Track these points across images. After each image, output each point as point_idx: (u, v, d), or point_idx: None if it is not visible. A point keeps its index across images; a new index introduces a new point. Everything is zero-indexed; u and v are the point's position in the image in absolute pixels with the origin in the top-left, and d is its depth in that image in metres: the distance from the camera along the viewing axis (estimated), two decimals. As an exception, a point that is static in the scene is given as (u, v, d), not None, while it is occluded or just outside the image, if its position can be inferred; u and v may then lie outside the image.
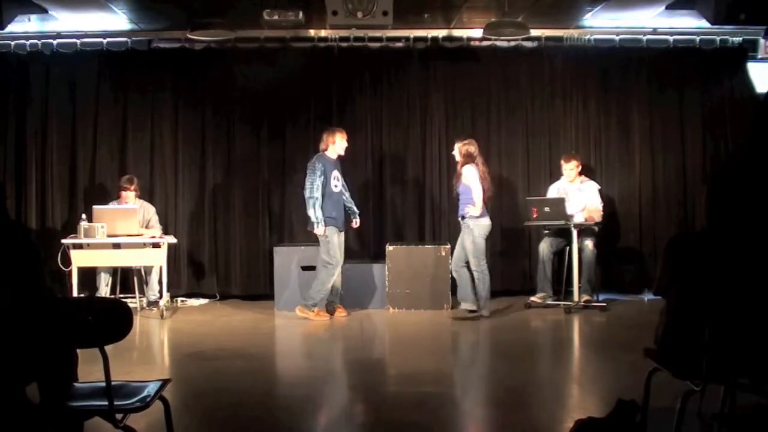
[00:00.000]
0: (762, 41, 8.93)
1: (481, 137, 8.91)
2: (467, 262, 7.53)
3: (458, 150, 7.62)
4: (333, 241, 7.51)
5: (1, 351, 2.68)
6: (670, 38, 8.82)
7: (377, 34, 8.65)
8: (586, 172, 8.46)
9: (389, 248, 8.13)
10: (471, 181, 7.44)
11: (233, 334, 7.04)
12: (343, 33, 8.58)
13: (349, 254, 8.56)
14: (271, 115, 8.88)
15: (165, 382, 3.15)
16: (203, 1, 7.44)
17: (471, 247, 7.47)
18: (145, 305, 8.14)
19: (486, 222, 7.49)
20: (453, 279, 7.92)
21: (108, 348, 2.79)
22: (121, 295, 8.10)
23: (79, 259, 7.57)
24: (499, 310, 7.97)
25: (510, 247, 8.91)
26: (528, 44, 8.87)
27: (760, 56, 9.01)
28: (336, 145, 7.63)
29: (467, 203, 7.47)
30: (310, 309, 7.53)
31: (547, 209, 7.75)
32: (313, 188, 7.42)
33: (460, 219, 7.60)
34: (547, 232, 8.10)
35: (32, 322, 2.73)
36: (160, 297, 7.89)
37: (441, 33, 8.80)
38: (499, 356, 6.04)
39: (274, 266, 8.17)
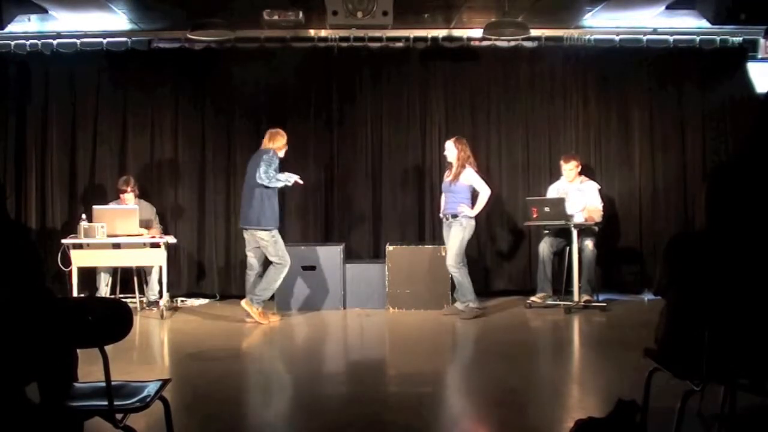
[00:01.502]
0: (762, 41, 8.92)
1: (481, 137, 8.95)
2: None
3: (455, 148, 7.68)
4: (280, 241, 7.40)
5: (1, 351, 2.68)
6: (670, 38, 8.81)
7: (377, 34, 8.65)
8: (586, 172, 8.46)
9: (389, 248, 8.13)
10: (477, 182, 7.61)
11: (233, 334, 7.04)
12: (343, 33, 8.57)
13: (349, 254, 8.58)
14: (271, 115, 8.86)
15: (165, 382, 3.15)
16: (203, 1, 7.44)
17: (457, 245, 7.55)
18: (145, 305, 8.15)
19: (474, 222, 7.66)
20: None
21: (108, 348, 2.79)
22: (121, 295, 8.10)
23: (79, 259, 7.57)
24: (499, 310, 7.99)
25: (510, 247, 8.92)
26: (528, 44, 8.86)
27: (760, 56, 9.00)
28: (284, 148, 7.50)
29: (462, 202, 7.57)
30: (254, 305, 7.34)
31: (547, 209, 7.76)
32: (271, 177, 7.20)
33: (450, 217, 7.67)
34: (547, 232, 8.11)
35: (32, 322, 2.73)
36: (160, 297, 7.89)
37: (441, 33, 8.80)
38: (499, 356, 6.03)
39: (274, 266, 8.16)
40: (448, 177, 7.83)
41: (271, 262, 7.42)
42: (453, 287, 7.89)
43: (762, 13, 7.14)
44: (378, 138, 8.98)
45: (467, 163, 7.64)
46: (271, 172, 7.24)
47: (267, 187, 7.27)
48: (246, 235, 7.50)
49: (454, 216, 7.60)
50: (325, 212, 8.92)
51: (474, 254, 8.83)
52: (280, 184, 7.34)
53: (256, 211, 7.31)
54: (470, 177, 7.60)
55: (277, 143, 7.44)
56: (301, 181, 7.54)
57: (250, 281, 7.55)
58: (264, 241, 7.34)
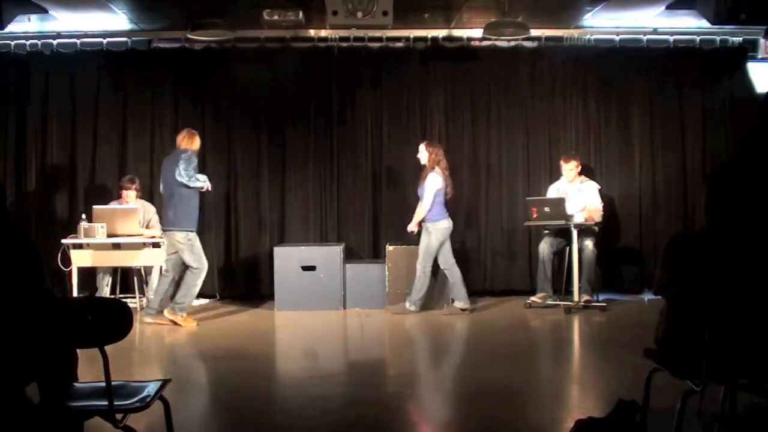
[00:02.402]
0: (762, 41, 8.93)
1: (481, 137, 8.97)
2: (445, 262, 7.74)
3: (426, 152, 7.77)
4: (197, 245, 7.23)
5: (1, 351, 2.68)
6: (670, 38, 8.82)
7: (377, 34, 8.65)
8: (586, 172, 8.46)
9: (389, 248, 8.13)
10: (427, 190, 7.65)
11: (233, 334, 7.04)
12: (343, 33, 8.58)
13: (349, 254, 8.58)
14: (271, 115, 8.89)
15: (165, 382, 3.15)
16: (203, 1, 7.44)
17: (424, 248, 7.70)
18: (145, 305, 8.14)
19: (445, 224, 7.72)
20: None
21: (108, 348, 2.79)
22: (121, 295, 8.10)
23: (79, 259, 7.57)
24: (499, 310, 8.00)
25: (510, 247, 8.92)
26: (528, 44, 8.87)
27: (760, 56, 9.01)
28: (198, 149, 7.44)
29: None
30: (178, 313, 7.20)
31: (547, 209, 7.75)
32: (191, 176, 7.10)
33: (425, 220, 7.75)
34: (547, 232, 8.11)
35: (32, 322, 2.73)
36: (160, 297, 7.88)
37: (441, 33, 8.80)
38: (498, 356, 6.03)
39: (274, 266, 8.16)
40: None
41: (197, 269, 7.26)
42: (445, 286, 7.90)
43: (762, 13, 7.14)
44: (378, 138, 8.98)
45: (437, 165, 7.72)
46: (191, 171, 7.14)
47: (187, 187, 7.14)
48: (166, 238, 7.35)
49: (424, 220, 7.71)
50: (325, 212, 8.92)
51: (474, 254, 8.86)
52: (199, 184, 7.22)
53: (173, 212, 7.19)
54: (428, 183, 7.67)
55: (194, 144, 7.36)
56: (209, 189, 7.45)
57: (162, 287, 7.34)
58: (180, 244, 7.17)
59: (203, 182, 7.27)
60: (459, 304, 7.73)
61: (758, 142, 3.06)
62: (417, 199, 8.86)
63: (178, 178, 7.11)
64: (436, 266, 7.79)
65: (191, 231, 7.20)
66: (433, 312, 7.85)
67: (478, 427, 4.22)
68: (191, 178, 7.14)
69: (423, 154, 7.80)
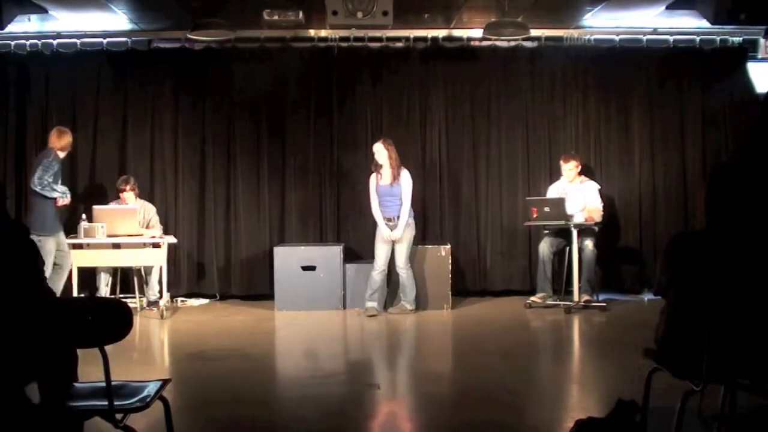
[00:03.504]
0: (762, 41, 8.93)
1: (480, 137, 8.96)
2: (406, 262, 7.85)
3: (385, 150, 7.81)
4: (46, 248, 6.95)
5: (1, 351, 2.68)
6: (670, 38, 8.82)
7: (377, 34, 8.65)
8: (586, 172, 8.47)
9: (389, 248, 8.12)
10: (407, 188, 7.77)
11: (233, 334, 7.05)
12: (343, 33, 8.58)
13: (349, 254, 8.58)
14: (271, 115, 8.88)
15: (165, 382, 3.15)
16: (203, 1, 7.44)
17: (407, 247, 7.73)
18: (145, 305, 8.15)
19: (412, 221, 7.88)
20: (452, 279, 8.00)
21: (108, 348, 2.79)
22: (121, 295, 8.10)
23: (79, 259, 7.57)
24: (499, 310, 8.00)
25: (510, 247, 8.92)
26: (528, 44, 8.87)
27: (760, 56, 9.01)
28: (68, 149, 7.38)
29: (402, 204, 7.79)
30: None
31: (547, 209, 7.76)
32: (44, 185, 7.06)
33: (395, 219, 7.76)
34: (547, 232, 8.11)
35: (32, 322, 2.73)
36: (160, 297, 7.90)
37: (441, 33, 8.80)
38: (499, 356, 6.04)
39: (274, 266, 8.16)
40: (382, 180, 7.86)
41: (58, 266, 7.24)
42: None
43: (762, 13, 7.14)
44: (378, 138, 8.94)
45: (401, 166, 7.82)
46: (46, 180, 7.06)
47: (41, 196, 7.09)
48: None
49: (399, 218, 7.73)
50: (325, 212, 8.91)
51: (474, 254, 8.85)
52: (55, 195, 7.17)
53: (31, 214, 7.16)
54: (406, 180, 7.76)
55: (61, 142, 7.32)
56: (67, 203, 7.41)
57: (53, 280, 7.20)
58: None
59: (61, 194, 7.20)
60: (409, 305, 7.80)
61: (758, 141, 3.05)
62: (420, 199, 8.91)
63: (31, 185, 7.05)
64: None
65: (41, 234, 6.99)
66: (433, 312, 7.85)
67: (477, 427, 4.22)
68: (45, 187, 7.07)
69: (382, 153, 7.81)
